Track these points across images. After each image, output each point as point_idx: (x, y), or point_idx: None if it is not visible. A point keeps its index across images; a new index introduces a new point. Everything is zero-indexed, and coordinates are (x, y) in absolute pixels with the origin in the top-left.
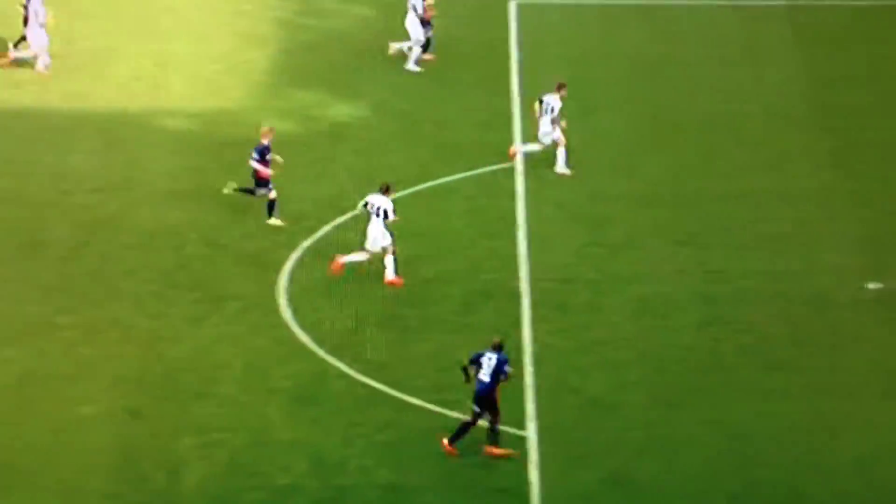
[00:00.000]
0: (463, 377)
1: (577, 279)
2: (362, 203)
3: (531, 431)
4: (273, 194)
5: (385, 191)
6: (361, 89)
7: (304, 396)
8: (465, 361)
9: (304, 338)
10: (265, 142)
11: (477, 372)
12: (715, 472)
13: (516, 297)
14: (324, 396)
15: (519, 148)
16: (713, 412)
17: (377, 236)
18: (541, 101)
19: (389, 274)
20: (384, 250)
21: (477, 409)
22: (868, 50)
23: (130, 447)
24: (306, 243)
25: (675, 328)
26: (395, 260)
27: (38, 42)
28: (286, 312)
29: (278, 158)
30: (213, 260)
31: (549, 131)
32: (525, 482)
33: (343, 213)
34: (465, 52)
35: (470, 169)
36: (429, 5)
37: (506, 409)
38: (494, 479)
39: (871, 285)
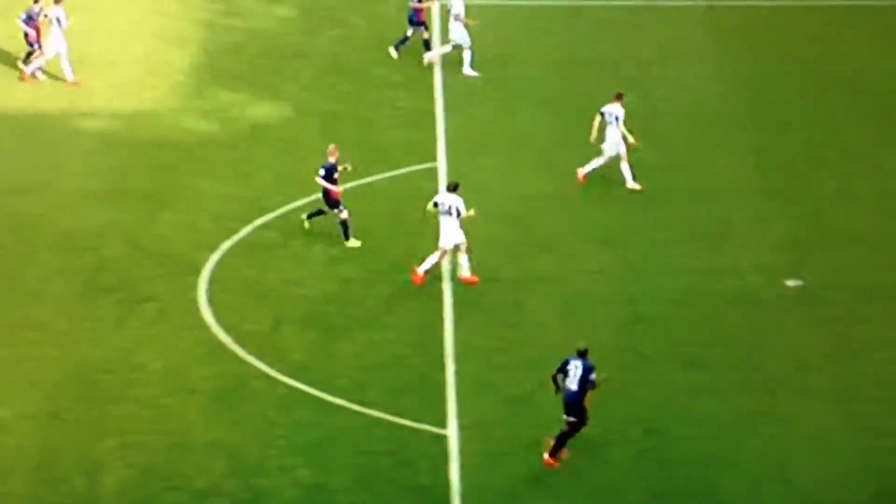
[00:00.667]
0: (553, 388)
1: (500, 279)
2: (431, 203)
3: (452, 429)
4: (344, 215)
5: (454, 188)
6: (283, 90)
7: (225, 398)
8: (554, 371)
9: (224, 338)
10: (332, 160)
11: (564, 380)
12: (635, 468)
13: (438, 296)
14: (244, 397)
15: (628, 176)
16: (634, 410)
17: (451, 234)
18: (602, 114)
19: (465, 272)
20: (457, 248)
21: (569, 418)
22: (784, 49)
23: (49, 449)
24: (227, 244)
25: (597, 327)
26: (470, 258)
27: (56, 48)
28: (207, 313)
29: (349, 167)
30: (134, 261)
31: (616, 141)
32: (445, 480)
33: (264, 212)
34: (389, 52)
35: (393, 169)
36: (421, 7)
37: (427, 408)
38: (415, 477)
39: (791, 283)
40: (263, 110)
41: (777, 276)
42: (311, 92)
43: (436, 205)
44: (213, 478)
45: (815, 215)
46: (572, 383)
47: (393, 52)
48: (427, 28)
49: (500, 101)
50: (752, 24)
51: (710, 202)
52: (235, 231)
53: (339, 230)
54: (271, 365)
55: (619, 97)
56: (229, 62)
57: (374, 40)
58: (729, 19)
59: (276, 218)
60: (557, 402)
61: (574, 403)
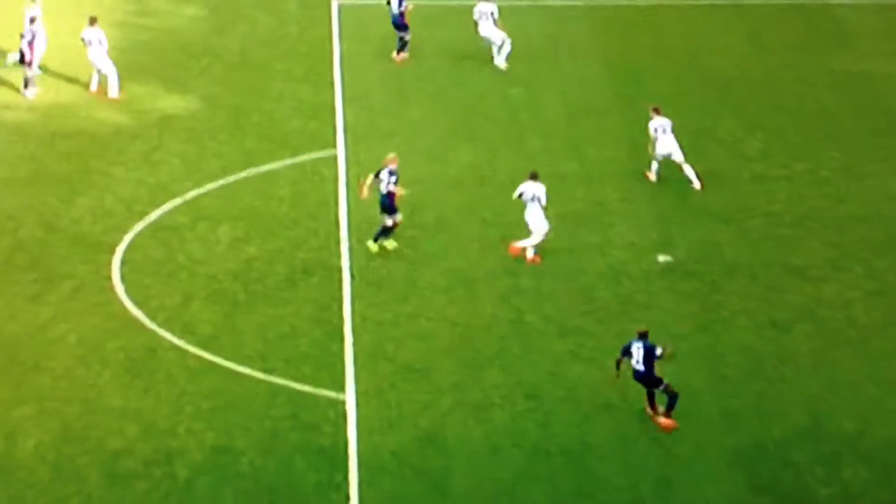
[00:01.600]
0: (615, 371)
1: (393, 256)
2: (517, 193)
3: (350, 396)
4: (397, 219)
5: (535, 177)
6: (192, 84)
7: (136, 368)
8: (618, 355)
9: (136, 313)
10: (393, 167)
11: (631, 358)
12: (516, 428)
13: (337, 272)
14: (155, 367)
15: (692, 174)
16: (514, 374)
17: (538, 221)
18: (654, 129)
19: (530, 252)
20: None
21: (654, 389)
22: (662, 44)
23: None
24: (139, 226)
25: (481, 299)
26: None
27: (104, 68)
28: (120, 290)
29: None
30: (49, 242)
31: (674, 149)
32: (343, 442)
33: (173, 196)
34: (292, 48)
35: (294, 156)
36: (407, 11)
37: (326, 376)
38: (315, 439)
39: (661, 258)
40: (173, 103)
41: (647, 252)
42: (219, 86)
43: (521, 195)
44: (125, 441)
45: (682, 196)
46: (638, 364)
47: (397, 57)
48: (408, 30)
49: (396, 93)
50: (634, 21)
51: (587, 185)
52: (146, 214)
53: (380, 230)
54: (180, 337)
55: (657, 110)
56: (141, 58)
57: (278, 37)
58: (612, 16)
59: (185, 203)
60: (446, 370)
61: (647, 379)
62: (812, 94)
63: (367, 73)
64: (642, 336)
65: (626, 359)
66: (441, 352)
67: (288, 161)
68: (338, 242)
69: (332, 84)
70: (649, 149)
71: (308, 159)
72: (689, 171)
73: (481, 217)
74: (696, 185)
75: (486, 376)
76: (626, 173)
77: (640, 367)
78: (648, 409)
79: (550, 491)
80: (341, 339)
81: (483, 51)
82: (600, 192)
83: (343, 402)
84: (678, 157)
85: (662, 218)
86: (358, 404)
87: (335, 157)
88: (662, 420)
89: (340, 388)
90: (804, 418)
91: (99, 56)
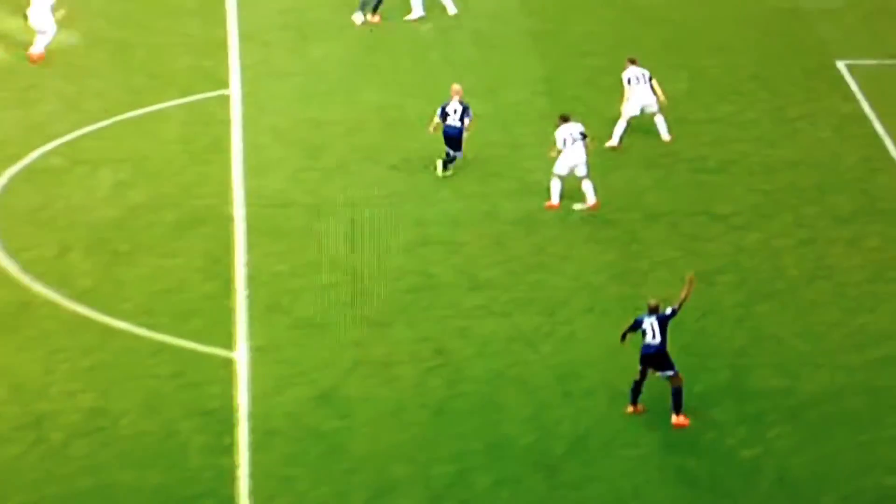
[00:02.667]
0: (621, 339)
1: (291, 203)
2: (559, 141)
3: (241, 352)
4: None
5: (566, 119)
6: (73, 17)
7: (7, 324)
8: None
9: (8, 265)
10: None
11: (644, 336)
12: (424, 385)
13: (229, 221)
14: (27, 323)
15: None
16: (421, 330)
17: (580, 161)
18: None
19: (591, 198)
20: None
21: (665, 372)
22: None
23: None
24: (12, 170)
25: (386, 250)
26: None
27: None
28: None
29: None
30: None
31: (650, 101)
32: (233, 403)
33: (51, 139)
34: None
35: (183, 96)
36: None
37: (216, 332)
38: (202, 400)
39: (578, 206)
40: None
41: (565, 200)
42: (101, 19)
43: (563, 142)
44: None
45: (601, 141)
46: (654, 339)
47: (358, 18)
48: None
49: (296, 30)
50: None
51: (501, 127)
52: (20, 158)
53: (447, 160)
54: (56, 290)
55: (632, 61)
56: None
57: None
58: None
59: (63, 144)
60: (348, 325)
61: (660, 356)
62: (739, 31)
63: (263, 8)
64: (653, 310)
65: (634, 332)
66: (342, 306)
67: (177, 101)
68: (230, 189)
69: (225, 19)
70: (623, 106)
71: (199, 99)
72: (660, 123)
73: (388, 162)
74: (666, 137)
75: (390, 332)
76: (544, 116)
77: (656, 342)
78: (630, 408)
79: (457, 452)
80: (233, 293)
81: None
82: (516, 135)
83: (234, 360)
84: (653, 108)
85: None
86: (251, 361)
87: (228, 98)
88: (676, 420)
89: (231, 344)
90: (727, 374)
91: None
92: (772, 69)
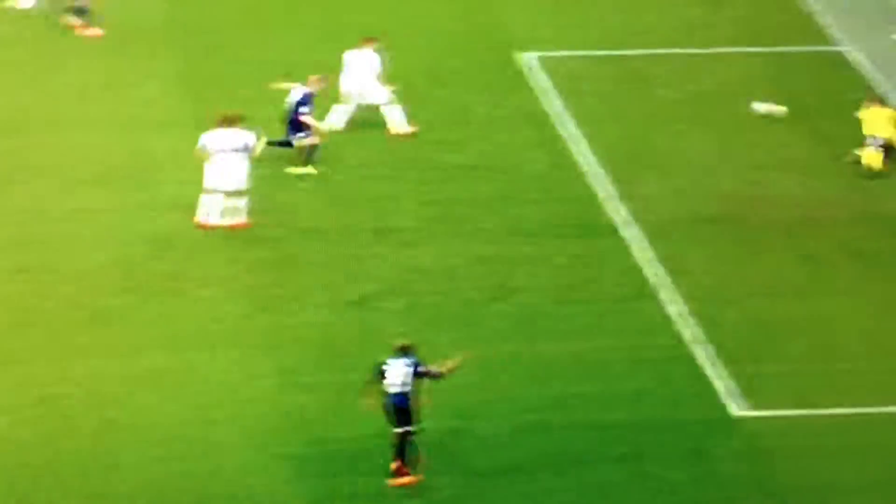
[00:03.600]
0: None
1: None
2: (200, 145)
3: None
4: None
5: (230, 122)
6: None
7: None
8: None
9: None
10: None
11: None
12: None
13: None
14: None
15: None
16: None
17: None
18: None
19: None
20: None
21: (399, 428)
22: None
23: None
24: None
25: None
26: None
27: None
28: None
29: None
30: None
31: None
32: None
33: None
34: None
35: None
36: None
37: None
38: None
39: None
40: None
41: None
42: None
43: (203, 147)
44: None
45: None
46: (394, 387)
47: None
48: None
49: None
50: None
51: (128, 133)
52: None
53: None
54: None
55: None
56: None
57: None
58: None
59: None
60: None
61: (403, 408)
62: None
63: None
64: (403, 351)
65: (379, 383)
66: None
67: None
68: None
69: None
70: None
71: None
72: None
73: None
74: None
75: None
76: (183, 120)
77: (397, 391)
78: (394, 465)
79: None
80: None
81: None
82: (145, 142)
83: None
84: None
85: None
86: None
87: None
88: (399, 480)
89: None
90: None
91: None
92: (447, 62)
